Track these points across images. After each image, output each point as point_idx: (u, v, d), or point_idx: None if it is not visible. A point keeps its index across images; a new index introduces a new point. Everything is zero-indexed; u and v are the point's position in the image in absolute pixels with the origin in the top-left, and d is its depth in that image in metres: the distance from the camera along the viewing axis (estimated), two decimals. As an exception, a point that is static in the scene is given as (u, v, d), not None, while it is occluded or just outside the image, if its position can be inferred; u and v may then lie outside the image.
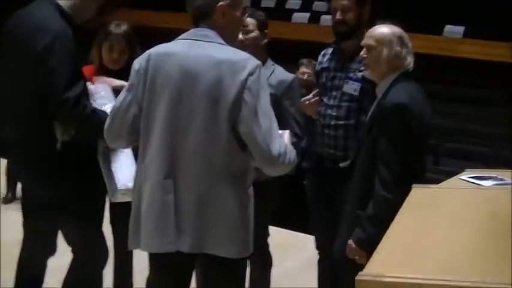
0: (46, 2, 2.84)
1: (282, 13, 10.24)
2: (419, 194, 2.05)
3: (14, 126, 2.89)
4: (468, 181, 2.40)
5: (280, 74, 3.48)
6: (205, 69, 2.28)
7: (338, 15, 3.28)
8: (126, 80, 3.29)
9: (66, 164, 2.82)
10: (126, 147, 2.62)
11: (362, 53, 2.89)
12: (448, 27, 9.29)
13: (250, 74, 2.27)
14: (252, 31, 3.41)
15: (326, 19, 10.24)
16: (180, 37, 2.43)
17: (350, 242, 2.76)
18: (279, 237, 3.93)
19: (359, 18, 3.30)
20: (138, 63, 2.44)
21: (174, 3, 11.42)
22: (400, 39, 2.82)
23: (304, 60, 5.41)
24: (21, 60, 2.78)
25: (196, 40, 2.37)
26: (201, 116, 2.30)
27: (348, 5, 3.27)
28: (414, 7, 10.25)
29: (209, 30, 2.38)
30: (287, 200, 4.25)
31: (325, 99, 3.40)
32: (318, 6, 10.62)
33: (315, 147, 3.46)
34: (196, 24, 2.42)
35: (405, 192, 2.45)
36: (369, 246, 2.54)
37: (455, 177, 2.53)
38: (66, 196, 2.87)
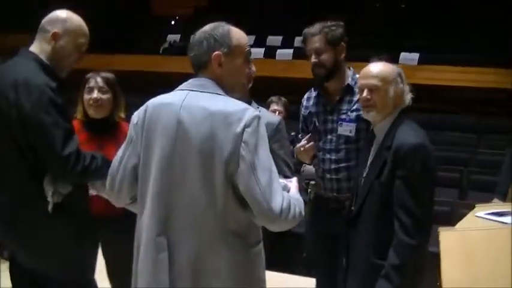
0: (26, 57, 2.71)
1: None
2: (452, 239, 1.97)
3: None
4: (487, 218, 2.33)
5: (265, 116, 3.37)
6: (197, 121, 2.15)
7: (313, 58, 3.25)
8: (111, 132, 3.30)
9: (56, 228, 2.65)
10: (132, 204, 2.42)
11: (365, 94, 2.74)
12: (403, 55, 9.42)
13: (247, 126, 2.12)
14: None
15: (281, 53, 10.32)
16: (179, 87, 2.31)
17: None
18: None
19: (335, 58, 3.25)
20: (136, 116, 2.33)
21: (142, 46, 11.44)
22: (400, 75, 2.75)
23: (274, 98, 5.33)
24: (4, 118, 2.61)
25: (192, 90, 2.25)
26: (195, 171, 2.15)
27: (320, 47, 3.23)
28: (367, 37, 10.43)
29: (207, 79, 2.26)
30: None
31: (321, 144, 3.34)
32: (272, 41, 10.66)
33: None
34: (196, 73, 2.31)
35: (428, 236, 2.47)
36: None
37: (470, 214, 2.47)
38: (56, 263, 2.68)
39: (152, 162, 2.23)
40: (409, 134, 2.63)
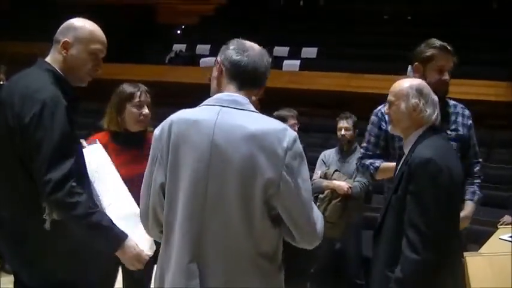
0: (40, 67, 2.59)
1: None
2: (479, 265, 1.85)
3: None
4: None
5: None
6: (236, 142, 2.04)
7: (446, 76, 3.31)
8: (140, 146, 3.21)
9: (56, 245, 2.51)
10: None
11: (386, 108, 2.85)
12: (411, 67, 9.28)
13: (289, 148, 2.04)
14: None
15: (288, 64, 10.23)
16: (205, 102, 2.19)
17: None
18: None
19: None
20: (159, 130, 2.19)
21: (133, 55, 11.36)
22: (419, 91, 2.73)
23: (288, 112, 5.24)
24: (8, 131, 2.49)
25: (224, 107, 2.12)
26: (233, 192, 2.04)
27: (452, 66, 3.35)
28: (376, 49, 10.35)
29: (239, 96, 2.15)
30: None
31: None
32: (278, 51, 10.56)
33: None
34: (240, 88, 2.17)
35: (437, 253, 2.49)
36: None
37: (494, 236, 2.37)
38: (58, 282, 2.55)
39: (181, 184, 2.10)
40: (425, 149, 2.62)
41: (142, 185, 2.24)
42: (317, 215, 2.10)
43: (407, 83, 2.77)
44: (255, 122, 2.08)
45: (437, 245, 2.52)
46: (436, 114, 2.73)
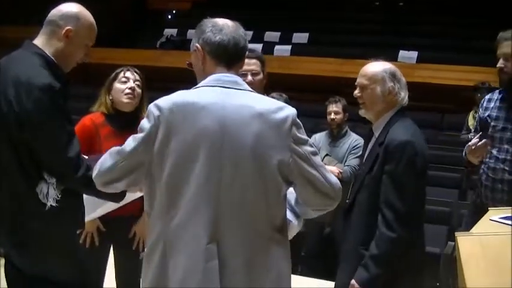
0: (30, 51, 2.56)
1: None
2: (471, 245, 1.91)
3: None
4: (503, 223, 2.26)
5: None
6: (246, 121, 2.10)
7: (500, 63, 3.22)
8: (134, 129, 3.17)
9: (53, 230, 2.52)
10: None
11: (356, 92, 2.86)
12: (402, 53, 9.35)
13: (293, 122, 2.14)
14: (258, 73, 3.30)
15: (279, 49, 10.22)
16: (203, 83, 2.20)
17: (353, 282, 2.68)
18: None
19: None
20: (157, 109, 2.13)
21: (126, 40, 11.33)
22: (392, 75, 2.82)
23: (275, 95, 5.24)
24: (1, 118, 2.47)
25: (225, 88, 2.16)
26: (247, 171, 2.09)
27: (509, 52, 3.19)
28: (366, 35, 10.36)
29: (237, 76, 2.21)
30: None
31: (494, 152, 3.26)
32: (269, 36, 10.56)
33: None
34: (228, 68, 2.21)
35: (411, 231, 2.65)
36: (373, 286, 2.65)
37: (484, 218, 2.41)
38: (57, 266, 2.55)
39: (191, 166, 2.10)
40: (400, 131, 2.72)
41: (121, 149, 2.19)
42: (331, 175, 2.19)
43: (380, 67, 2.82)
44: (259, 102, 2.16)
45: (410, 223, 2.65)
46: (406, 96, 2.82)
